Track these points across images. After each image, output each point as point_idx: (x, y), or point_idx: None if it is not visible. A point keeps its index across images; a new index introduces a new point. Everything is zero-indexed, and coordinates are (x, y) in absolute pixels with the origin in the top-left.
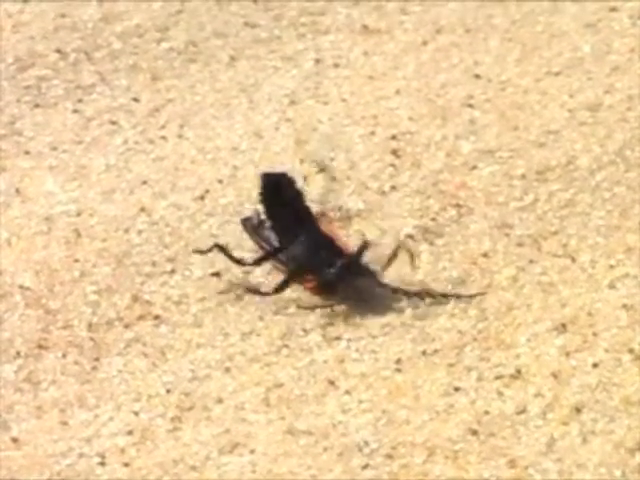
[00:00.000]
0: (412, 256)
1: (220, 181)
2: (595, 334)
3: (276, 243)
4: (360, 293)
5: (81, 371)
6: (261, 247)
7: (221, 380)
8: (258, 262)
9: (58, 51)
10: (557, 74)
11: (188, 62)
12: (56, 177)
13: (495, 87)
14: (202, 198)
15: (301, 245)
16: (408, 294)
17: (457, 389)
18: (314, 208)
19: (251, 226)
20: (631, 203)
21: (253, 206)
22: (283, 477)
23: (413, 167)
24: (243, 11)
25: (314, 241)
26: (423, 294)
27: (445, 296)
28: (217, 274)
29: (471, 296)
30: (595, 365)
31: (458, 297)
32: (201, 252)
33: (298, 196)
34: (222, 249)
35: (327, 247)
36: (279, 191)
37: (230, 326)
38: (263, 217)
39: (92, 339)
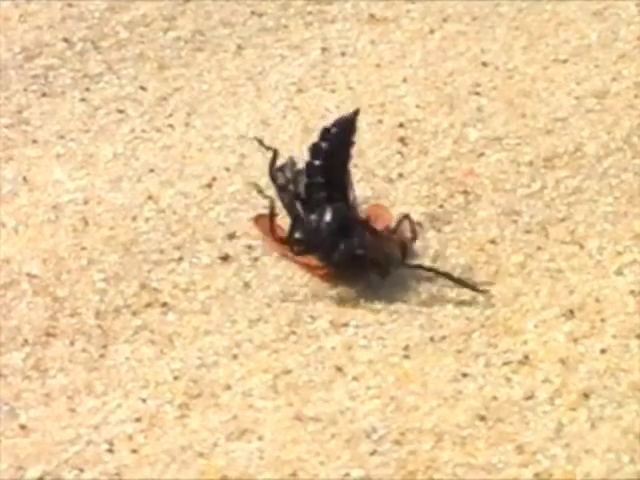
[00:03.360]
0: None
1: (227, 169)
2: (603, 320)
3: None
4: (368, 280)
5: (89, 359)
6: (285, 203)
7: (229, 367)
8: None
9: (65, 40)
10: (564, 62)
11: (195, 51)
12: (63, 166)
13: (502, 75)
14: (209, 186)
15: (322, 223)
16: (431, 270)
17: (465, 375)
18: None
19: (284, 179)
20: (638, 189)
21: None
22: (291, 463)
23: (420, 155)
24: (250, 0)
25: (336, 221)
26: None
27: (458, 282)
28: (225, 259)
29: (477, 289)
30: (603, 351)
31: (467, 286)
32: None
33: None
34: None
35: (347, 230)
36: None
37: (238, 313)
38: (299, 168)
39: (100, 327)
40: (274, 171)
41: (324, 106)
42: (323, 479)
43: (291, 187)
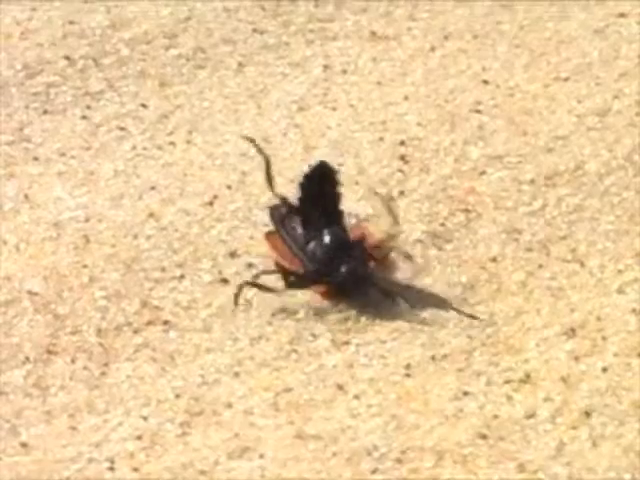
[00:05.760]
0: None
1: (229, 187)
2: (604, 338)
3: (300, 237)
4: (369, 298)
5: (90, 376)
6: (283, 239)
7: (230, 385)
8: (292, 286)
9: (66, 58)
10: (565, 80)
11: (196, 68)
12: (65, 183)
13: (503, 93)
14: (211, 204)
15: (321, 246)
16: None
17: (466, 394)
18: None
19: (278, 216)
20: None
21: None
22: None
23: (422, 172)
24: (251, 17)
25: (335, 243)
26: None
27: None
28: (226, 280)
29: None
30: (604, 369)
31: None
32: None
33: (335, 194)
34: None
35: (346, 251)
36: (322, 180)
37: (239, 331)
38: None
39: (101, 344)
40: (270, 211)
41: (325, 124)
42: None
43: (287, 222)
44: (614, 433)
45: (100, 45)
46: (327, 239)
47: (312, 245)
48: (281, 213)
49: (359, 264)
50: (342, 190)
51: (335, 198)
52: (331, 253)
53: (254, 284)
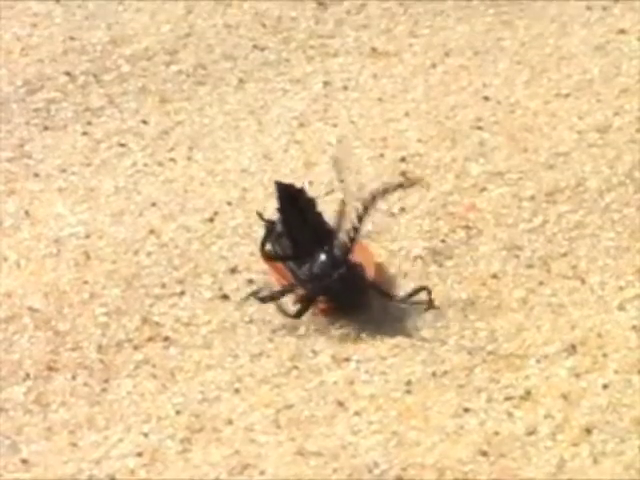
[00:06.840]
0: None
1: (229, 203)
2: (605, 355)
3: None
4: (370, 315)
5: (91, 393)
6: (277, 253)
7: (231, 401)
8: (300, 314)
9: (67, 74)
10: (566, 96)
11: (197, 85)
12: (65, 199)
13: (504, 109)
14: (211, 220)
15: (315, 264)
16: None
17: (467, 410)
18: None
19: (275, 232)
20: None
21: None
22: None
23: (422, 189)
24: (252, 34)
25: (328, 260)
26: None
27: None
28: (226, 296)
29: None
30: (605, 386)
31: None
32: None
33: (314, 211)
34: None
35: (338, 264)
36: (293, 202)
37: (240, 348)
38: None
39: (101, 361)
40: (266, 227)
41: (326, 140)
42: None
43: (277, 248)
44: (615, 450)
45: (101, 61)
46: (318, 257)
47: (305, 266)
48: (277, 230)
49: (350, 274)
50: (316, 202)
51: (314, 215)
52: (323, 268)
53: (262, 298)
